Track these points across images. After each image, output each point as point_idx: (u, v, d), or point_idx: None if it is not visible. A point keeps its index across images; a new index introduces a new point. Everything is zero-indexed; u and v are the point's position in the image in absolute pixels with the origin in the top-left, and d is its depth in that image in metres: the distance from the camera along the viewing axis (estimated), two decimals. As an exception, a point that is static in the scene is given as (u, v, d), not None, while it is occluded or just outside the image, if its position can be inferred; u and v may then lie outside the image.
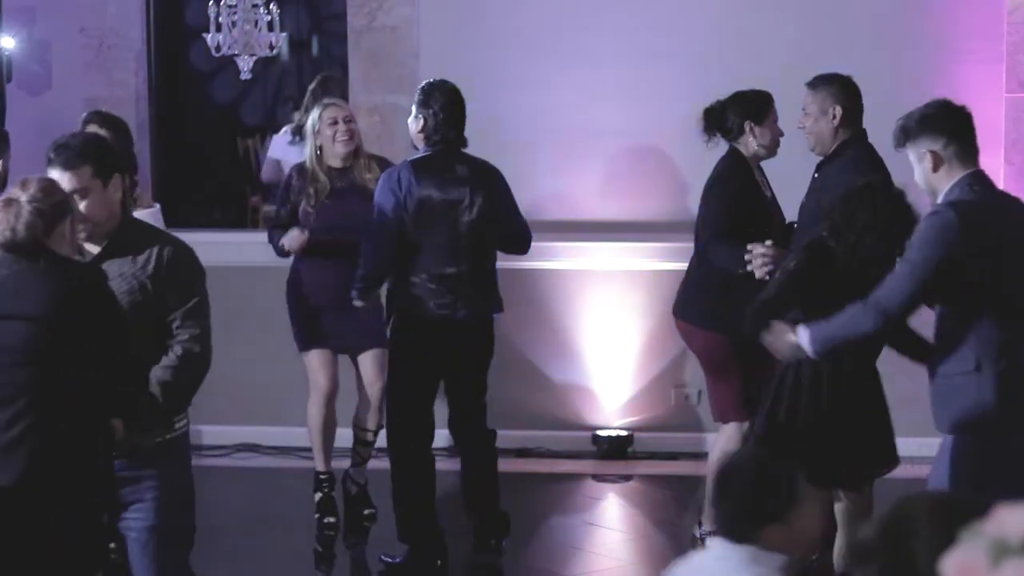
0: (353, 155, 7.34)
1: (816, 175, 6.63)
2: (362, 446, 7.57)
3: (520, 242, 7.03)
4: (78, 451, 4.50)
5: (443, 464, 7.24)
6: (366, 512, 7.57)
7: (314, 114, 7.41)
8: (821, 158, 6.54)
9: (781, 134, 6.85)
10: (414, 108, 6.83)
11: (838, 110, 6.40)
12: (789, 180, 6.79)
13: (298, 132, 8.55)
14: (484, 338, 6.91)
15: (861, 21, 8.46)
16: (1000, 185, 8.41)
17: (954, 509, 2.15)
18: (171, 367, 4.75)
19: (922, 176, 4.96)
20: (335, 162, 7.31)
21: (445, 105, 6.74)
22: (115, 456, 4.64)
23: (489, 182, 6.84)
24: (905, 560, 2.12)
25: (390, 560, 6.96)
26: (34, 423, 4.44)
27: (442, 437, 7.15)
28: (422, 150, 6.81)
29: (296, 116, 8.94)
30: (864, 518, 5.44)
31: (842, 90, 6.45)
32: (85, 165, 4.73)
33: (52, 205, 4.52)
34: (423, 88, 6.86)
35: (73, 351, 4.46)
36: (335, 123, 7.32)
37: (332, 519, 7.56)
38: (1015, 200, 5.14)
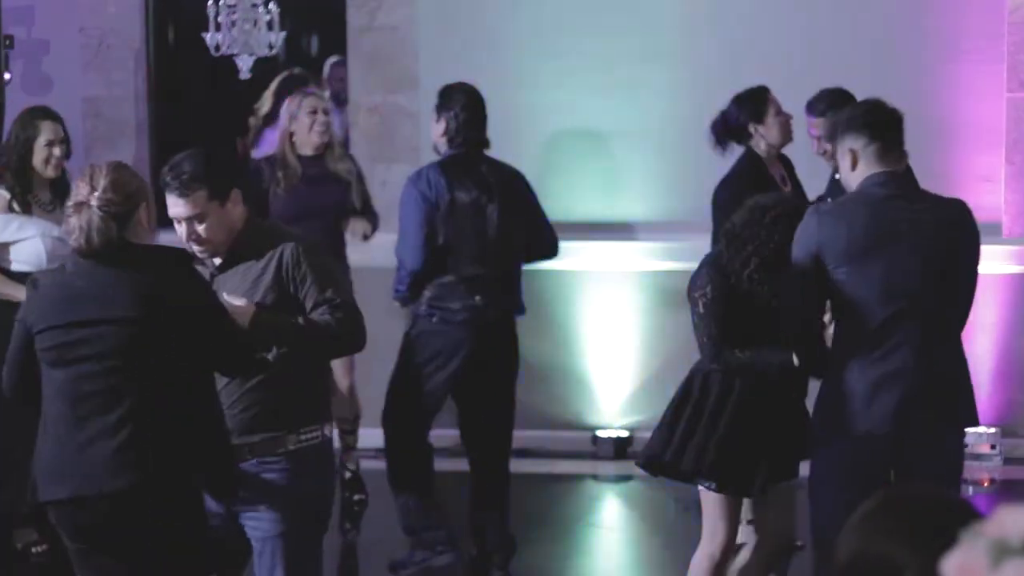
0: (325, 145, 7.40)
1: (836, 176, 6.65)
2: (347, 435, 7.62)
3: (545, 247, 7.02)
4: (188, 447, 4.44)
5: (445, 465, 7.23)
6: (355, 498, 7.61)
7: (292, 101, 7.46)
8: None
9: (789, 117, 6.88)
10: (435, 111, 6.81)
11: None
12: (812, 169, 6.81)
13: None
14: (510, 341, 6.87)
15: (861, 21, 8.45)
16: (1001, 185, 8.42)
17: (930, 517, 2.14)
18: (323, 317, 4.65)
19: (844, 175, 4.97)
20: (307, 150, 7.39)
21: (466, 106, 6.73)
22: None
23: (515, 185, 6.83)
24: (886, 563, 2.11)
25: (410, 563, 6.88)
26: (140, 425, 4.37)
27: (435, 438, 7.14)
28: (444, 152, 6.78)
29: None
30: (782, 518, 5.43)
31: (846, 102, 6.54)
32: (200, 190, 4.63)
33: (124, 200, 4.42)
34: (443, 91, 6.85)
35: (169, 344, 4.39)
36: (314, 112, 7.38)
37: (362, 496, 7.75)
38: (931, 200, 5.00)
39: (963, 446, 5.09)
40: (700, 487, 5.44)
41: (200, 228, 4.67)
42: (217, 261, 4.77)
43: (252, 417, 4.70)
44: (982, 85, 8.42)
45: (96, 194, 4.39)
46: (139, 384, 4.39)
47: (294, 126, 7.40)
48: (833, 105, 6.61)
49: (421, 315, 6.74)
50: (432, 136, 6.85)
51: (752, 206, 5.27)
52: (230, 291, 4.66)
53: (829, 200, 6.36)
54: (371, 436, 8.00)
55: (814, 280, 4.83)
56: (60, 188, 6.57)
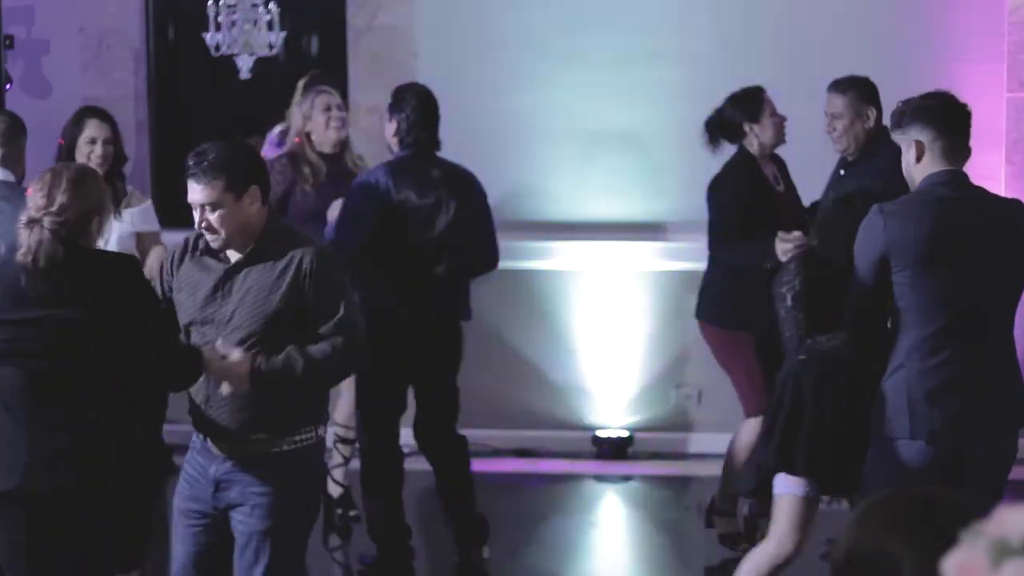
0: (342, 144, 7.40)
1: (841, 172, 6.67)
2: (344, 444, 7.55)
3: (486, 258, 6.87)
4: (120, 444, 4.53)
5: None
6: (351, 514, 7.57)
7: (304, 102, 7.45)
8: (841, 156, 6.60)
9: (784, 119, 6.90)
10: (386, 112, 6.84)
11: (872, 111, 6.55)
12: (807, 169, 6.83)
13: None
14: (454, 343, 6.85)
15: (861, 21, 8.45)
16: (1001, 185, 8.42)
17: (929, 514, 2.14)
18: (323, 349, 4.68)
19: (906, 165, 4.92)
20: (326, 148, 7.36)
21: (416, 107, 6.72)
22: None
23: (465, 187, 6.78)
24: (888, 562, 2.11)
25: (366, 561, 6.98)
26: (78, 423, 4.47)
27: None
28: (395, 153, 6.80)
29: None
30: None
31: (872, 92, 6.58)
32: (217, 179, 4.66)
33: (79, 217, 4.51)
34: (394, 91, 6.88)
35: (109, 347, 4.47)
36: (328, 109, 7.36)
37: (354, 512, 7.62)
38: (993, 203, 4.99)
39: (1016, 448, 5.06)
40: (784, 490, 5.27)
41: (212, 217, 4.68)
42: (233, 258, 4.77)
43: (246, 417, 4.72)
44: (982, 85, 8.41)
45: (51, 212, 4.48)
46: (77, 383, 4.47)
47: (310, 126, 7.39)
48: (855, 86, 6.64)
49: (373, 308, 6.76)
50: (385, 136, 6.87)
51: (839, 197, 5.32)
52: (246, 290, 4.70)
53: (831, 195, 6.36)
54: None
55: (879, 281, 4.81)
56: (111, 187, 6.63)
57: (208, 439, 4.79)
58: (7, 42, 8.40)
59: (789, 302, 5.25)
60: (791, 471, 5.22)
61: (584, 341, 8.63)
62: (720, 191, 6.81)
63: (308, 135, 7.39)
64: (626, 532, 7.97)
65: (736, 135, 6.87)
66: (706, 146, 6.91)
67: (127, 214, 6.98)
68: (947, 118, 4.86)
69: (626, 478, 8.42)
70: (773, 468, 5.26)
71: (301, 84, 8.40)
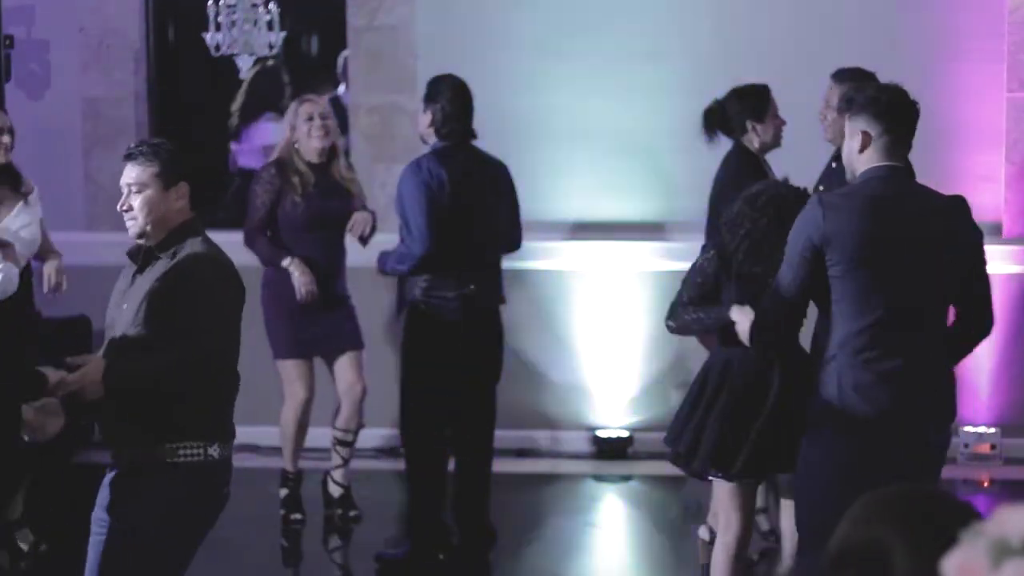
0: (330, 152, 7.36)
1: (833, 165, 6.65)
2: (343, 447, 7.55)
3: (514, 241, 7.09)
4: None
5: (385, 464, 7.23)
6: (351, 514, 7.55)
7: (289, 111, 7.46)
8: (836, 148, 6.57)
9: (783, 123, 6.90)
10: (423, 102, 6.87)
11: None
12: (808, 169, 6.80)
13: None
14: (495, 328, 6.97)
15: (861, 21, 8.45)
16: (1000, 185, 8.42)
17: (923, 510, 2.14)
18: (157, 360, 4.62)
19: (847, 152, 4.92)
20: (312, 157, 7.34)
21: (452, 98, 6.79)
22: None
23: (501, 175, 6.94)
24: (882, 569, 2.11)
25: (391, 555, 6.95)
26: None
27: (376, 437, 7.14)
28: (432, 144, 6.82)
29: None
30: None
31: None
32: (149, 164, 4.72)
33: None
34: (430, 83, 6.93)
35: None
36: (311, 119, 7.34)
37: (299, 515, 7.60)
38: (930, 199, 4.97)
39: (948, 444, 5.07)
40: (711, 477, 5.50)
41: (134, 200, 4.74)
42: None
43: (121, 426, 4.68)
44: (982, 85, 8.41)
45: None
46: None
47: (295, 135, 7.37)
48: (854, 78, 6.61)
49: (417, 301, 6.77)
50: (419, 127, 6.91)
51: (746, 195, 5.45)
52: (133, 293, 4.68)
53: (821, 188, 6.36)
54: (371, 436, 8.02)
55: (811, 272, 4.82)
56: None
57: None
58: (7, 42, 8.40)
59: (689, 275, 5.54)
60: (726, 476, 5.44)
61: (584, 341, 8.63)
62: (733, 190, 6.79)
63: (294, 144, 7.38)
64: (626, 532, 7.96)
65: (736, 130, 6.85)
66: (702, 134, 6.91)
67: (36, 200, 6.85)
68: (898, 114, 4.86)
69: (626, 478, 8.42)
70: (703, 470, 5.47)
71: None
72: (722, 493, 5.53)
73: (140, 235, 4.74)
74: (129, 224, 4.75)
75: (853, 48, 8.10)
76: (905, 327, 4.82)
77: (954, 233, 4.90)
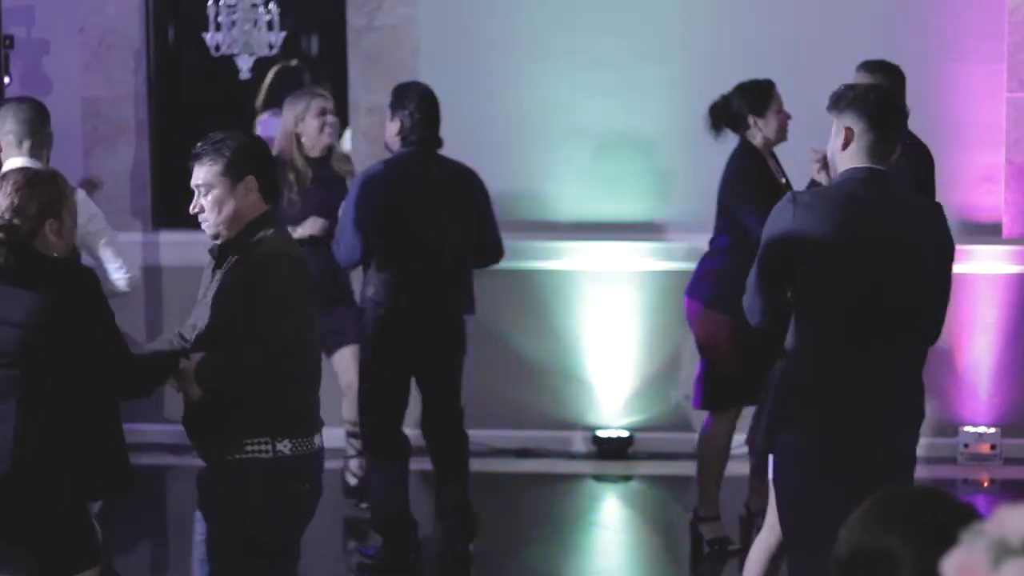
0: (329, 148, 7.41)
1: None
2: (356, 438, 7.59)
3: (492, 250, 7.00)
4: (65, 447, 4.54)
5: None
6: (363, 505, 7.58)
7: (298, 103, 7.44)
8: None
9: (788, 118, 6.91)
10: (388, 110, 6.85)
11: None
12: (801, 168, 6.82)
13: None
14: (456, 334, 6.90)
15: (861, 21, 8.45)
16: (1001, 185, 8.42)
17: (928, 513, 2.15)
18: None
19: (832, 150, 4.93)
20: (314, 152, 7.37)
21: (420, 105, 6.77)
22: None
23: (465, 184, 6.86)
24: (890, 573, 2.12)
25: (366, 553, 6.98)
26: (22, 422, 4.51)
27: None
28: (396, 151, 6.82)
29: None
30: None
31: (900, 80, 6.61)
32: (216, 163, 4.65)
33: (26, 221, 4.56)
34: (396, 89, 6.91)
35: (59, 353, 4.51)
36: (323, 114, 7.36)
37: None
38: (905, 204, 4.95)
39: (915, 445, 5.07)
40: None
41: (204, 200, 4.66)
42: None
43: (198, 421, 4.70)
44: (982, 85, 8.41)
45: (2, 205, 4.56)
46: (26, 384, 4.52)
47: (300, 128, 7.38)
48: (883, 69, 6.64)
49: (368, 306, 6.80)
50: (386, 135, 6.89)
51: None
52: (209, 289, 4.69)
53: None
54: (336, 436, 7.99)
55: (781, 269, 4.83)
56: None
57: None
58: (7, 42, 8.40)
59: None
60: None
61: (584, 341, 8.63)
62: (741, 187, 6.78)
63: (298, 137, 7.39)
64: (626, 532, 7.96)
65: (739, 125, 6.87)
66: (709, 130, 6.92)
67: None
68: (884, 115, 4.86)
69: (626, 478, 8.42)
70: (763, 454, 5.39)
71: (269, 77, 8.46)
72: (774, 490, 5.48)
73: (215, 235, 4.70)
74: (204, 226, 4.69)
75: (853, 48, 8.09)
76: (872, 332, 4.82)
77: (925, 240, 4.90)
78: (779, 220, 4.83)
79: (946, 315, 5.00)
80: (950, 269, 4.98)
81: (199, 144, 4.72)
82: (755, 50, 8.31)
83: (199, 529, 4.76)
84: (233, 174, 4.64)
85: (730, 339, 6.79)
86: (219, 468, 4.68)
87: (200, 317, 4.71)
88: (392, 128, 6.82)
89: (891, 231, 4.84)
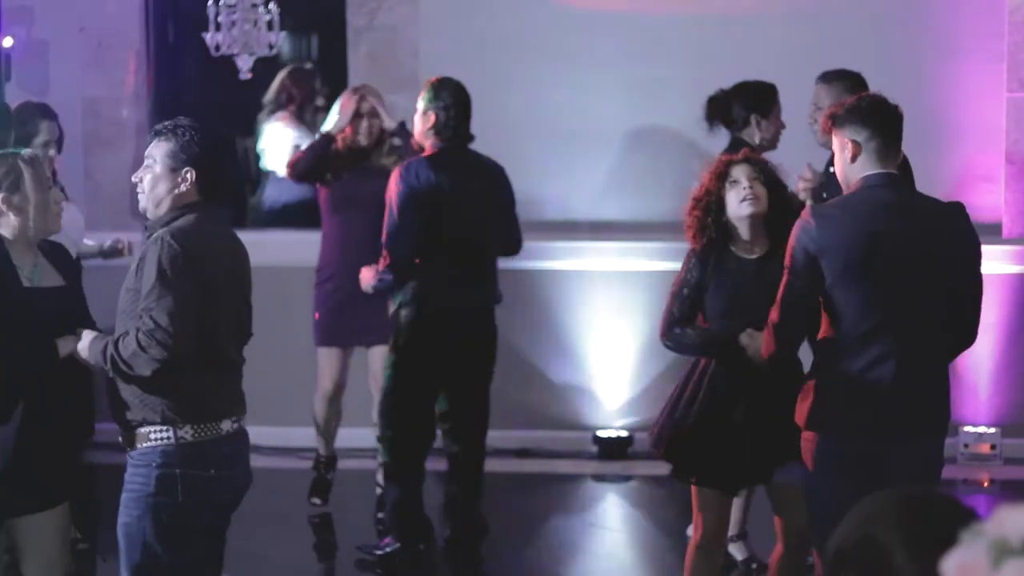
0: (379, 136, 7.46)
1: (831, 170, 6.64)
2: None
3: (513, 244, 7.07)
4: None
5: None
6: (380, 516, 7.56)
7: (349, 100, 7.49)
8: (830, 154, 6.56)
9: (783, 127, 6.90)
10: (421, 104, 6.85)
11: None
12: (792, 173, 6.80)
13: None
14: (489, 328, 6.94)
15: (861, 21, 8.45)
16: (1001, 185, 8.42)
17: (922, 510, 2.15)
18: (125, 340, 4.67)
19: (840, 166, 4.93)
20: (359, 142, 7.42)
21: (455, 101, 6.78)
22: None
23: (498, 179, 6.93)
24: (882, 567, 2.12)
25: (377, 551, 6.96)
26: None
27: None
28: (432, 145, 6.82)
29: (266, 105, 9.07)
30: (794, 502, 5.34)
31: (858, 86, 6.50)
32: (164, 142, 4.74)
33: None
34: (432, 84, 6.90)
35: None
36: (360, 115, 7.44)
37: (317, 500, 7.68)
38: (928, 206, 4.97)
39: (942, 451, 5.07)
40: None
41: (143, 172, 4.76)
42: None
43: (112, 408, 4.75)
44: (982, 85, 8.41)
45: None
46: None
47: (348, 121, 7.46)
48: (843, 78, 6.59)
49: (406, 304, 6.79)
50: (417, 130, 6.89)
51: None
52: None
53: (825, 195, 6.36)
54: (364, 436, 8.00)
55: (811, 283, 4.82)
56: None
57: None
58: (7, 42, 8.39)
59: (675, 287, 5.50)
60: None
61: (584, 341, 8.63)
62: None
63: (342, 131, 7.46)
64: (626, 532, 7.96)
65: (737, 122, 6.85)
66: (702, 122, 6.90)
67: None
68: (880, 118, 4.87)
69: (626, 478, 8.42)
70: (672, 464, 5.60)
71: (282, 75, 8.47)
72: (692, 493, 5.59)
73: (144, 211, 4.80)
74: (139, 198, 4.79)
75: (853, 48, 8.11)
76: (900, 336, 4.82)
77: (951, 242, 4.89)
78: (803, 237, 4.81)
79: (980, 315, 4.99)
80: (979, 268, 4.96)
81: (164, 123, 4.81)
82: (754, 51, 8.31)
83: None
84: (176, 160, 4.71)
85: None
86: (130, 457, 4.73)
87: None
88: (425, 122, 6.83)
89: (916, 235, 4.83)
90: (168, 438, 4.64)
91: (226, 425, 4.73)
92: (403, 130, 7.53)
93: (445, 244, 6.75)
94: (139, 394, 4.65)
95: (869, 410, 4.82)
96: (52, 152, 6.77)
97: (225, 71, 8.32)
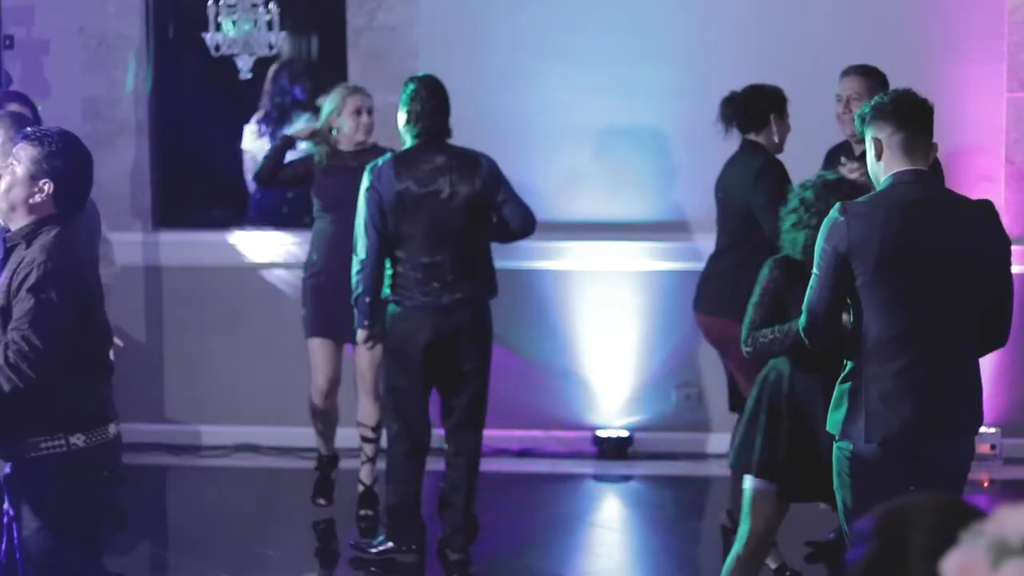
0: (363, 142, 7.49)
1: (843, 161, 6.64)
2: (364, 443, 7.58)
3: (517, 227, 6.96)
4: None
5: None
6: (361, 512, 7.57)
7: (336, 96, 7.48)
8: (827, 155, 6.57)
9: (789, 129, 6.91)
10: (400, 103, 6.89)
11: None
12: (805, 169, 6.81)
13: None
14: (477, 322, 6.87)
15: (861, 21, 8.45)
16: (1001, 185, 8.42)
17: (957, 512, 2.15)
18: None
19: (869, 164, 4.91)
20: (347, 147, 7.43)
21: (428, 98, 6.81)
22: None
23: (474, 170, 6.85)
24: (898, 549, 2.11)
25: (371, 549, 6.96)
26: None
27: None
28: (407, 143, 6.86)
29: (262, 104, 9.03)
30: None
31: (885, 82, 6.56)
32: (31, 147, 4.70)
33: None
34: (406, 83, 6.95)
35: None
36: (359, 113, 7.44)
37: (322, 500, 7.67)
38: (958, 204, 4.94)
39: (973, 449, 5.05)
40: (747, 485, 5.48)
41: (5, 172, 4.75)
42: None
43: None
44: (982, 85, 8.41)
45: None
46: None
47: (337, 123, 7.45)
48: (875, 74, 6.63)
49: (389, 299, 6.81)
50: (399, 127, 6.93)
51: (815, 187, 5.42)
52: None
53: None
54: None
55: (840, 283, 4.79)
56: None
57: None
58: (7, 42, 8.40)
59: (755, 296, 5.39)
60: (747, 471, 5.44)
61: (584, 341, 8.63)
62: (767, 184, 6.74)
63: (330, 128, 7.46)
64: (626, 532, 7.96)
65: (752, 124, 6.84)
66: (718, 122, 6.89)
67: None
68: (903, 112, 4.82)
69: (626, 478, 8.42)
70: (733, 466, 5.52)
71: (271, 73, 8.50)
72: (744, 500, 5.50)
73: (3, 216, 4.80)
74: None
75: (853, 48, 8.10)
76: (933, 336, 4.79)
77: (982, 240, 4.85)
78: (834, 235, 4.77)
79: (1011, 313, 4.95)
80: (1009, 267, 4.93)
81: (36, 128, 4.80)
82: (755, 51, 8.31)
83: (15, 530, 4.77)
84: (38, 169, 4.69)
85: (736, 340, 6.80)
86: (20, 468, 4.71)
87: None
88: (400, 120, 6.88)
89: (946, 233, 4.80)
90: (61, 446, 4.66)
91: (112, 428, 4.78)
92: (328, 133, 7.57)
93: (415, 241, 6.74)
94: (25, 403, 4.61)
95: (906, 415, 4.76)
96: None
97: (225, 71, 8.33)
